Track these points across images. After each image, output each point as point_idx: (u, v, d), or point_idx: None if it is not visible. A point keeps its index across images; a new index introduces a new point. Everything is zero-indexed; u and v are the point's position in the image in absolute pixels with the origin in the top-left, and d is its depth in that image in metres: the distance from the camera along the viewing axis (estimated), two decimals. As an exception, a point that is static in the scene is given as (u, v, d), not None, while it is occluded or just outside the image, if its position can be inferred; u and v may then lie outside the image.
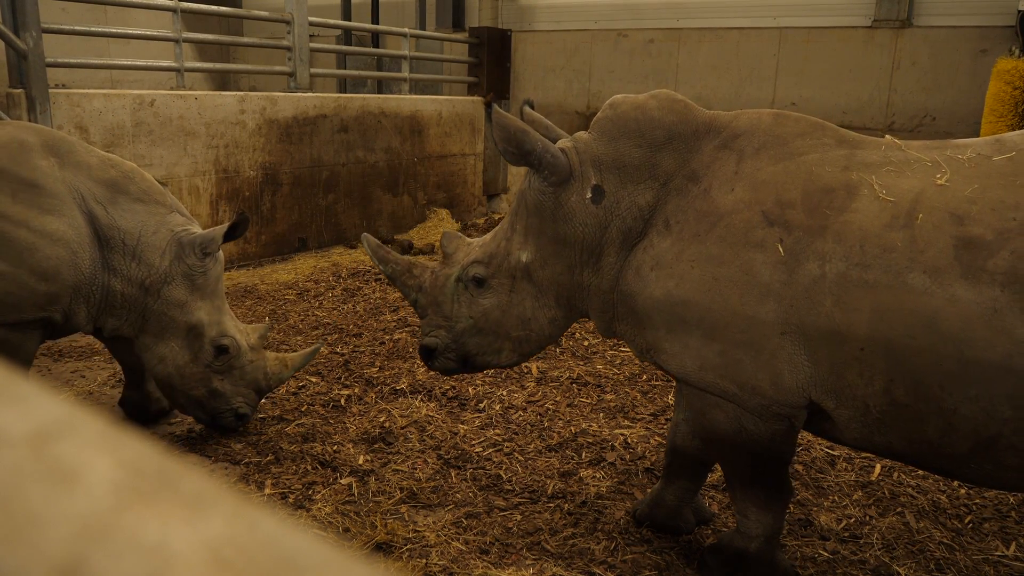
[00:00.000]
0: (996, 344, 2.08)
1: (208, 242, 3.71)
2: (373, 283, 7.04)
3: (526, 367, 4.98)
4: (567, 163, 2.80)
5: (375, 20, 11.38)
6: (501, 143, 2.78)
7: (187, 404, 3.90)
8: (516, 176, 10.86)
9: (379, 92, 10.76)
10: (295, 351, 5.27)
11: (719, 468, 3.75)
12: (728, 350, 2.49)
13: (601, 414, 4.35)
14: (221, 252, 3.88)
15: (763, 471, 2.69)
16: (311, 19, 8.19)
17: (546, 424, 4.22)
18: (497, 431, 4.13)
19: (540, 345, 3.09)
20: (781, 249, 2.40)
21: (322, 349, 5.33)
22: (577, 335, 5.59)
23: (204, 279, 3.75)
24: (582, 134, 2.91)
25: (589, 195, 2.80)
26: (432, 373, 4.88)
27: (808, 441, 4.04)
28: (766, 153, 2.58)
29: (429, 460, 3.83)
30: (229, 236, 3.76)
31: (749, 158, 2.59)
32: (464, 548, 3.11)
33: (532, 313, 2.98)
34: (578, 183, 2.81)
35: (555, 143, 2.89)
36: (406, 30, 9.59)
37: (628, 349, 5.34)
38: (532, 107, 3.22)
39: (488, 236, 3.12)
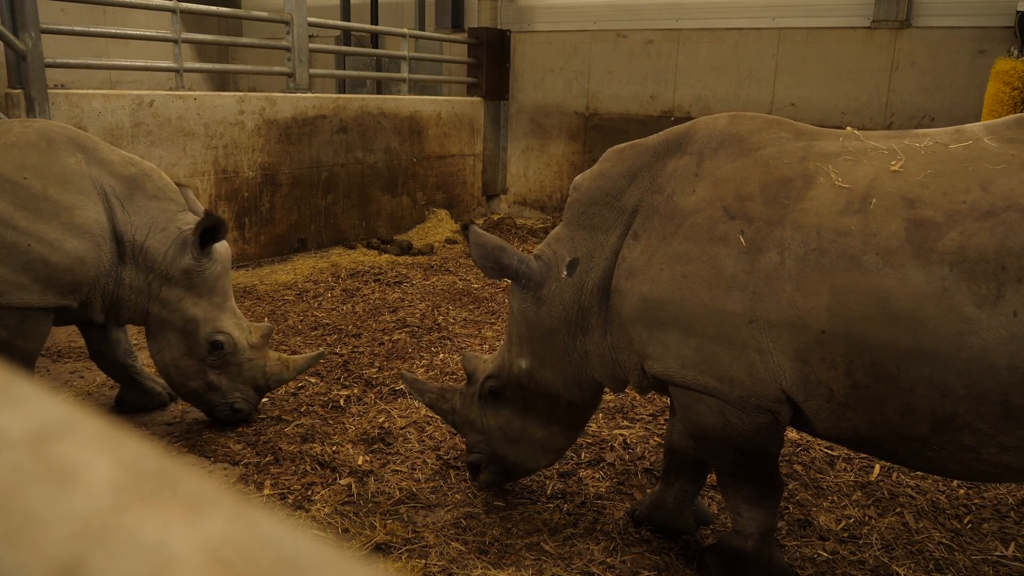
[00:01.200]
0: (947, 322, 2.13)
1: (196, 245, 3.81)
2: (372, 283, 7.04)
3: (525, 367, 4.98)
4: (542, 268, 2.97)
5: (374, 21, 11.38)
6: (480, 260, 2.96)
7: (185, 394, 4.06)
8: (515, 177, 10.87)
9: (378, 93, 10.76)
10: (294, 352, 5.27)
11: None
12: (704, 345, 2.53)
13: (600, 414, 4.35)
14: (227, 250, 3.99)
15: (751, 466, 2.71)
16: (310, 20, 8.19)
17: (545, 424, 4.21)
18: (496, 431, 4.13)
19: (571, 437, 3.25)
20: (743, 240, 2.46)
21: (320, 349, 5.32)
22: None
23: (200, 277, 3.85)
24: (556, 230, 3.05)
25: (565, 273, 2.92)
26: (431, 373, 4.89)
27: (808, 441, 4.04)
28: (724, 152, 2.65)
29: (428, 461, 3.83)
30: (207, 240, 3.80)
31: (708, 159, 2.66)
32: (463, 548, 3.11)
33: (548, 411, 3.11)
34: (554, 271, 2.95)
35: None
36: (405, 31, 9.60)
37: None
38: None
39: (497, 351, 3.31)
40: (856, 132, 2.59)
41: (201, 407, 4.10)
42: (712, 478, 3.69)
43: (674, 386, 2.70)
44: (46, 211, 3.56)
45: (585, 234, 2.91)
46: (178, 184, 4.11)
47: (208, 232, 3.77)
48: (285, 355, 4.23)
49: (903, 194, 2.28)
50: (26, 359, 3.73)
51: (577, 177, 3.04)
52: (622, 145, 2.97)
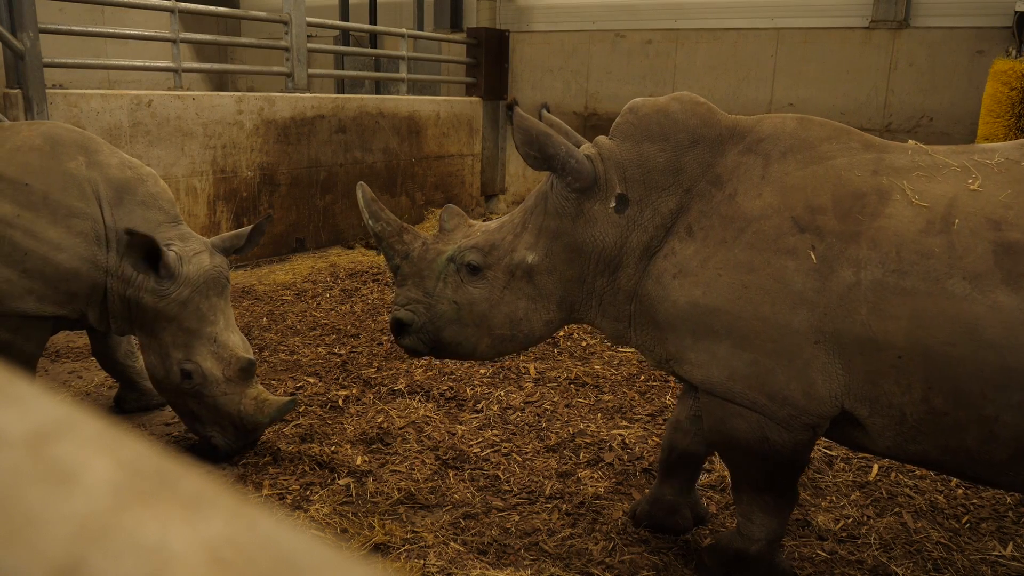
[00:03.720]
0: None
1: (165, 265, 3.52)
2: (371, 284, 7.04)
3: (524, 367, 4.98)
4: (591, 169, 2.71)
5: (373, 21, 11.38)
6: (522, 147, 2.68)
7: (178, 415, 3.87)
8: (514, 177, 10.87)
9: (377, 93, 10.75)
10: (293, 352, 5.27)
11: (717, 468, 3.75)
12: (760, 360, 2.43)
13: (599, 414, 4.35)
14: (216, 271, 3.65)
15: (778, 479, 2.65)
16: (309, 20, 8.19)
17: (544, 425, 4.22)
18: (495, 432, 4.13)
19: (525, 345, 2.95)
20: (813, 256, 2.35)
21: (319, 350, 5.33)
22: (575, 335, 5.60)
23: (165, 302, 3.55)
24: (603, 139, 2.82)
25: (613, 204, 2.70)
26: (431, 373, 4.89)
27: (806, 441, 4.04)
28: (793, 157, 2.53)
29: (427, 461, 3.83)
30: (152, 261, 3.50)
31: (776, 162, 2.54)
32: (462, 549, 3.11)
33: (525, 314, 2.84)
34: (602, 191, 2.72)
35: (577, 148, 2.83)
36: (404, 31, 9.59)
37: (626, 350, 5.35)
38: (549, 111, 3.15)
39: (494, 224, 2.96)
40: (923, 146, 2.50)
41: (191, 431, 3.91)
42: (710, 478, 3.69)
43: (710, 396, 2.59)
44: (45, 218, 3.48)
45: (638, 173, 2.69)
46: None
47: (150, 254, 3.46)
48: (265, 395, 3.78)
49: (987, 215, 2.20)
50: (26, 362, 3.69)
51: (637, 100, 2.81)
52: (701, 100, 2.77)
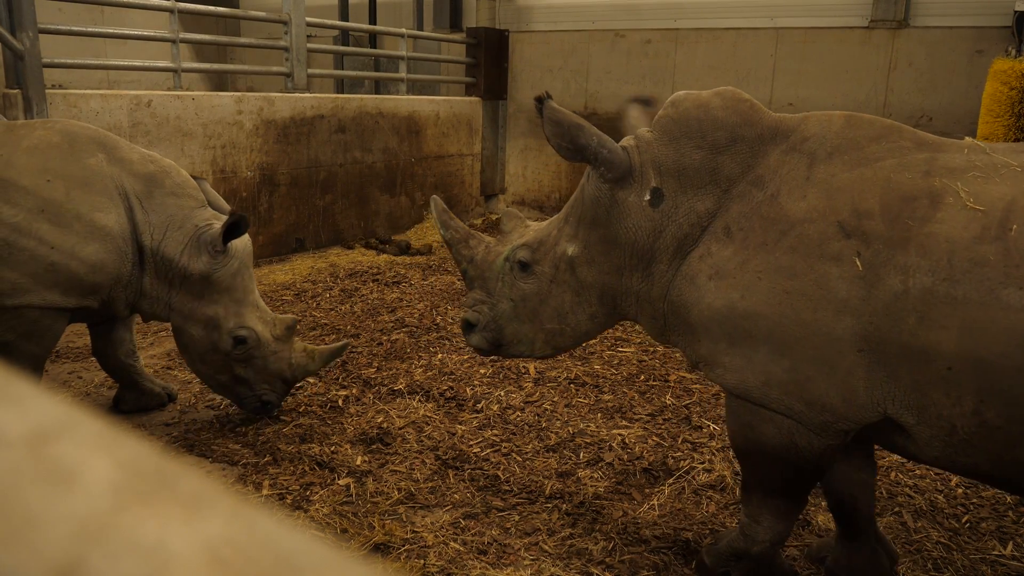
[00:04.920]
0: None
1: (215, 241, 3.81)
2: (370, 284, 7.04)
3: (524, 368, 4.98)
4: (626, 159, 2.69)
5: (372, 21, 11.38)
6: (554, 138, 2.69)
7: (214, 387, 4.13)
8: (513, 177, 10.88)
9: (376, 93, 10.75)
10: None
11: (716, 468, 3.75)
12: (799, 366, 2.36)
13: (599, 414, 4.35)
14: (246, 245, 4.00)
15: (796, 484, 2.60)
16: (308, 20, 8.18)
17: (544, 424, 4.22)
18: (495, 431, 4.13)
19: (576, 340, 2.99)
20: (859, 263, 2.26)
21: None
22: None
23: (218, 275, 3.86)
24: (643, 131, 2.78)
25: (648, 197, 2.67)
26: (430, 373, 4.89)
27: (805, 441, 4.04)
28: (839, 158, 2.43)
29: (427, 461, 3.83)
30: (229, 235, 3.80)
31: (821, 163, 2.45)
32: (462, 549, 3.11)
33: (570, 307, 2.88)
34: (637, 183, 2.69)
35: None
36: (403, 31, 9.59)
37: (627, 350, 5.35)
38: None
39: (545, 223, 3.05)
40: (980, 144, 2.38)
41: (231, 399, 4.17)
42: (709, 477, 3.69)
43: (741, 400, 2.53)
44: (69, 214, 3.60)
45: (674, 169, 2.65)
46: (194, 177, 4.12)
47: (231, 228, 3.77)
48: (311, 345, 4.26)
49: None
50: (37, 359, 3.78)
51: (680, 93, 2.76)
52: (746, 96, 2.70)
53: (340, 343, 4.36)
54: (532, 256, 2.92)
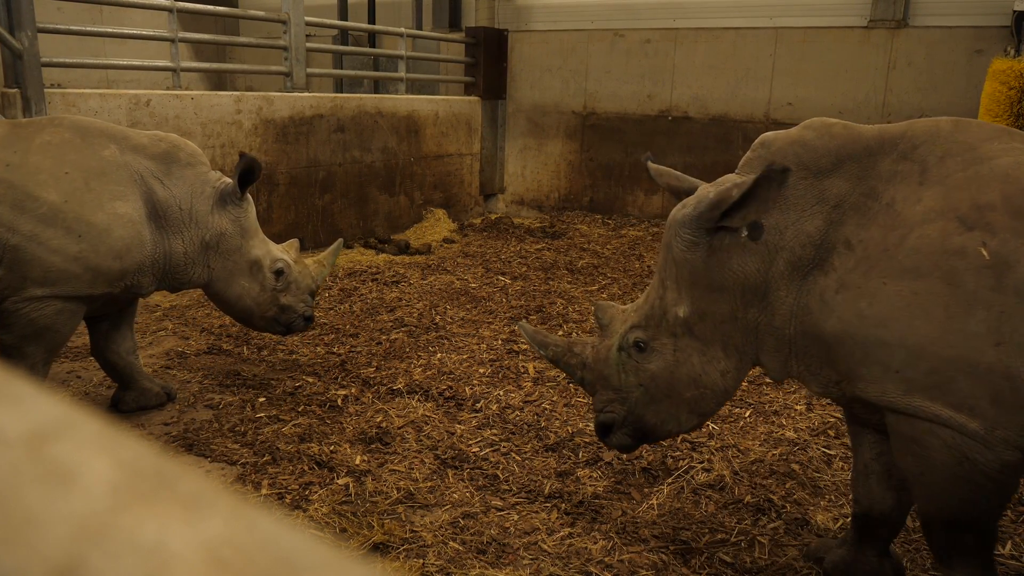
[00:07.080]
0: None
1: (235, 191, 4.15)
2: (370, 283, 7.04)
3: (523, 368, 4.98)
4: (712, 208, 2.66)
5: (372, 20, 11.37)
6: (708, 211, 2.64)
7: (266, 325, 4.46)
8: (512, 176, 10.88)
9: (376, 92, 10.75)
10: (292, 351, 5.27)
11: (716, 468, 3.75)
12: (938, 368, 2.28)
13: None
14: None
15: (979, 509, 2.40)
16: (307, 19, 8.18)
17: (543, 424, 4.22)
18: (494, 431, 4.14)
19: (717, 401, 2.86)
20: (985, 252, 2.21)
21: (318, 349, 5.33)
22: (574, 335, 5.60)
23: (247, 219, 4.24)
24: (731, 176, 2.77)
25: (745, 233, 2.62)
26: (430, 373, 4.89)
27: (804, 440, 4.04)
28: (952, 160, 2.41)
29: (426, 460, 3.83)
30: (244, 181, 4.11)
31: (934, 167, 2.42)
32: (461, 548, 3.11)
33: (701, 369, 2.79)
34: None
35: (693, 189, 2.81)
36: (403, 30, 9.59)
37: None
38: (653, 161, 3.16)
39: (641, 299, 3.00)
40: None
41: (280, 331, 4.50)
42: (708, 477, 3.69)
43: (896, 414, 2.42)
44: (90, 204, 3.72)
45: (772, 201, 2.62)
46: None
47: (246, 174, 4.08)
48: (315, 256, 4.82)
49: None
50: (49, 354, 3.86)
51: (768, 134, 2.74)
52: (833, 120, 2.70)
53: (335, 243, 4.89)
54: (646, 334, 2.85)
